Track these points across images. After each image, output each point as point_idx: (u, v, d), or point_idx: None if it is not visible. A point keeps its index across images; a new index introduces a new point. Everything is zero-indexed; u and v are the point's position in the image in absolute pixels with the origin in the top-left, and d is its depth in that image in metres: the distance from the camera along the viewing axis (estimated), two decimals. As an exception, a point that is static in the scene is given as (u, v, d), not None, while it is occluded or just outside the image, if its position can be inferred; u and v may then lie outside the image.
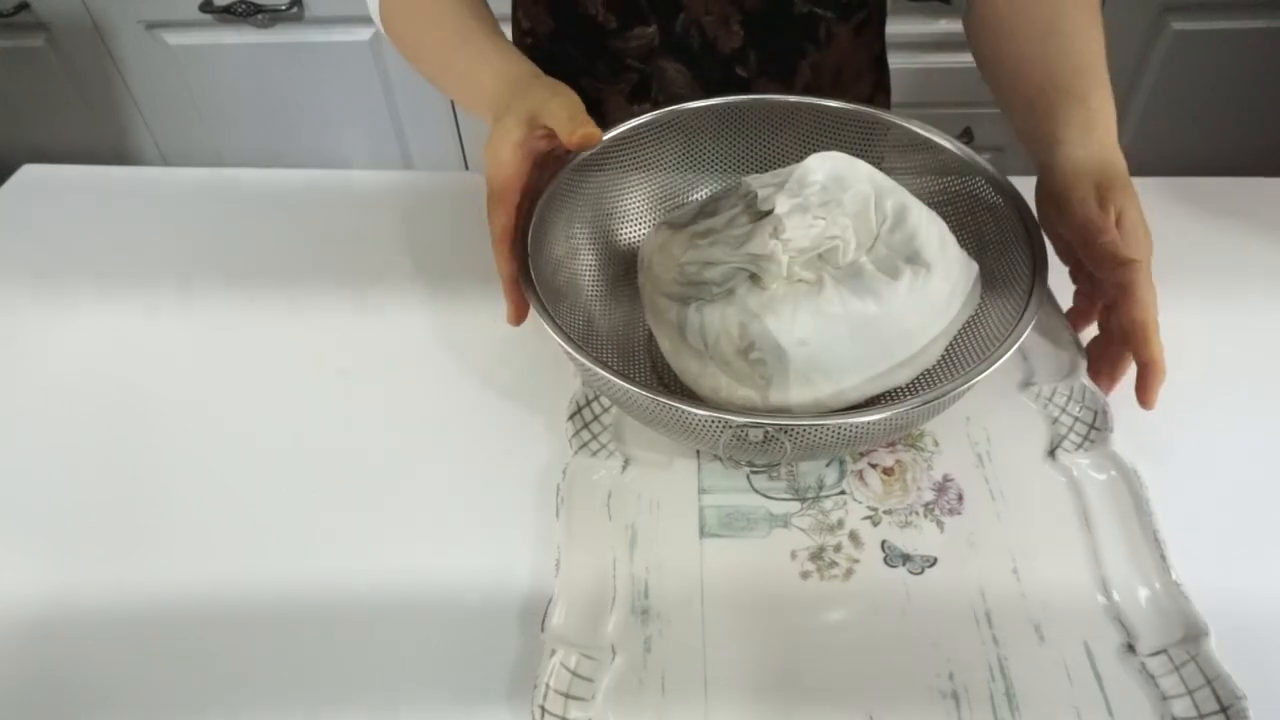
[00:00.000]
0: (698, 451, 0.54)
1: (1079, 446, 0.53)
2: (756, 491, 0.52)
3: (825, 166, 0.51)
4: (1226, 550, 0.49)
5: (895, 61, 0.86)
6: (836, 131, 0.60)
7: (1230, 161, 1.35)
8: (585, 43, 0.71)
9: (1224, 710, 0.41)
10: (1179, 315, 0.62)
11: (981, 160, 0.57)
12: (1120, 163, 0.55)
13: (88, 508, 0.53)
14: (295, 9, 1.29)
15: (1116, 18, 1.23)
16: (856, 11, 0.70)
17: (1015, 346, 0.46)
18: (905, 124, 0.59)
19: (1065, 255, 0.56)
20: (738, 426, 0.44)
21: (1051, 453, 0.53)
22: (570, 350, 0.47)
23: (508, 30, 0.78)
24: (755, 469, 0.53)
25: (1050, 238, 0.54)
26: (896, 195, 0.52)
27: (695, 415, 0.44)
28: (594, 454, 0.53)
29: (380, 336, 0.63)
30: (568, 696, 0.43)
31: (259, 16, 1.29)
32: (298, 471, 0.55)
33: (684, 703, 0.43)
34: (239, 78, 1.38)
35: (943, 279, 0.50)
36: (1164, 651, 0.43)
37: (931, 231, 0.51)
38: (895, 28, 0.96)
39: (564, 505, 0.50)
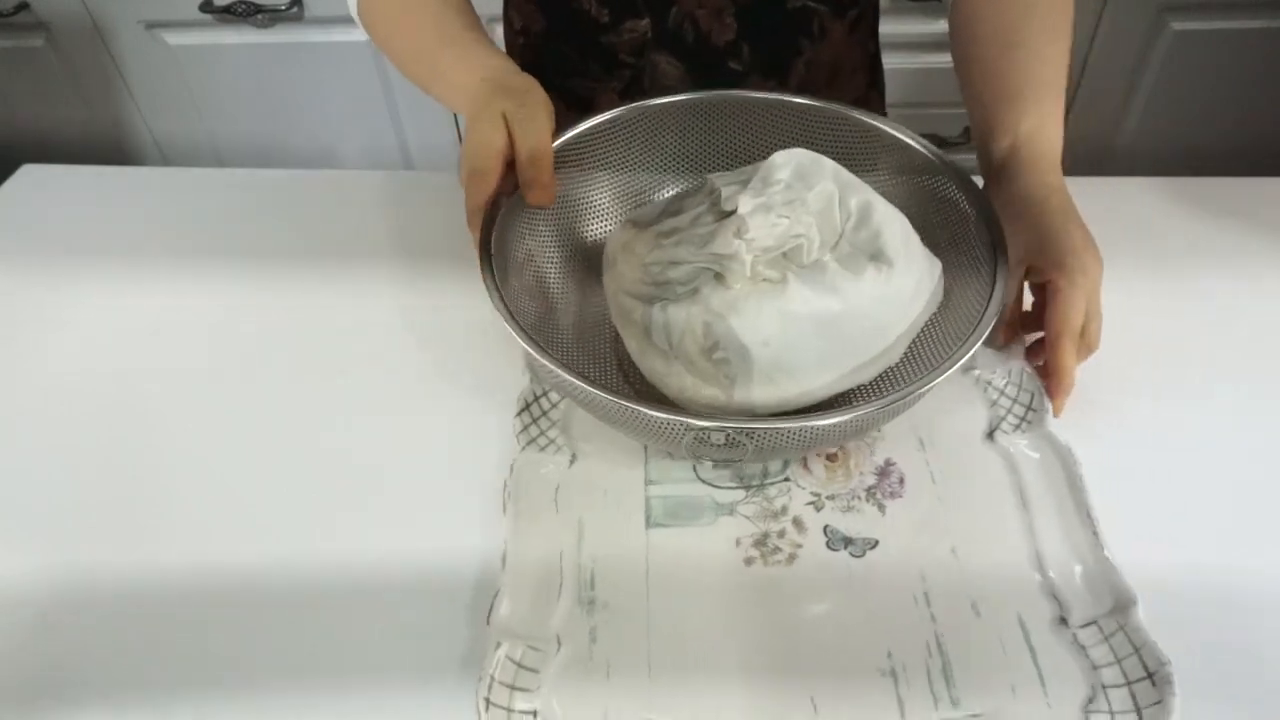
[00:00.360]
0: (645, 444, 0.54)
1: (1016, 428, 0.54)
2: (702, 481, 0.53)
3: (790, 163, 0.51)
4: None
5: (893, 62, 0.86)
6: (804, 128, 0.60)
7: (1230, 161, 1.35)
8: (577, 39, 0.71)
9: (1150, 676, 0.42)
10: (1179, 314, 0.62)
11: (948, 158, 0.57)
12: (1046, 185, 0.55)
13: (87, 507, 0.54)
14: (295, 9, 1.29)
15: (1116, 18, 1.23)
16: (850, 8, 0.70)
17: (975, 347, 0.46)
18: (872, 121, 0.59)
19: None
20: (699, 429, 0.44)
21: (990, 434, 0.54)
22: (532, 351, 0.46)
23: (499, 30, 0.78)
24: (717, 464, 0.53)
25: None
26: (861, 192, 0.52)
27: (658, 418, 0.45)
28: (542, 449, 0.54)
29: (363, 330, 0.63)
30: (513, 688, 0.43)
31: (259, 16, 1.29)
32: (265, 463, 0.55)
33: (628, 690, 0.44)
34: (239, 78, 1.38)
35: (906, 276, 0.50)
36: (1094, 623, 0.45)
37: (895, 229, 0.51)
38: (893, 28, 0.97)
39: (511, 500, 0.50)
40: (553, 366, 0.46)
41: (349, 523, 0.52)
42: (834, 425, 0.45)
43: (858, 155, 0.59)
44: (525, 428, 0.54)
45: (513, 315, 0.48)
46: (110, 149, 1.50)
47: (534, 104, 0.54)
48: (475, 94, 0.55)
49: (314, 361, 0.62)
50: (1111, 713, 0.41)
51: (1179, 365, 0.58)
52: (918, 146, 0.58)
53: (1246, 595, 0.47)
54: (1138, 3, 1.21)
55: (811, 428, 0.45)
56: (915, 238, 0.52)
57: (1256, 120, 1.33)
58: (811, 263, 0.49)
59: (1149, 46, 1.26)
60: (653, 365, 0.51)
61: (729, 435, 0.44)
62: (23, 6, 1.31)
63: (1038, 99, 0.58)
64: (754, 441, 0.45)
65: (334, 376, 0.60)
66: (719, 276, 0.49)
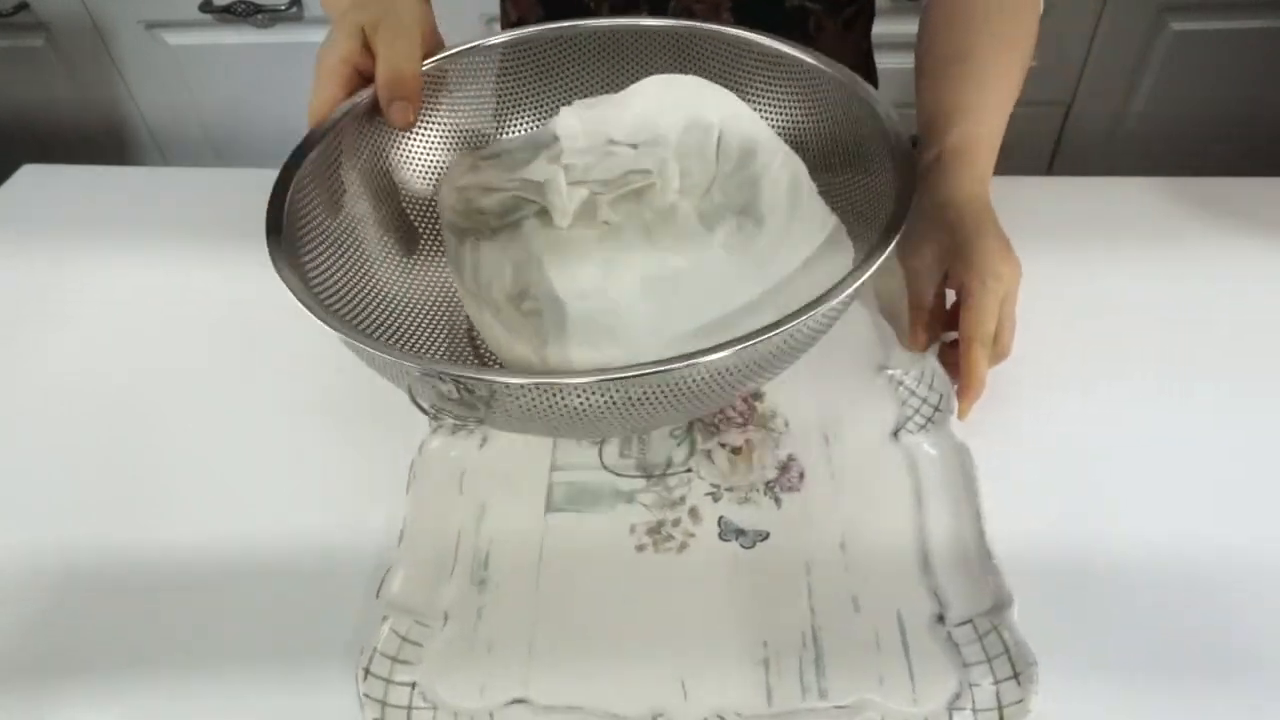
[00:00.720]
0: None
1: (921, 428, 0.54)
2: (606, 469, 0.53)
3: (660, 90, 0.44)
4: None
5: (891, 62, 0.86)
6: (700, 60, 0.52)
7: (1230, 161, 1.35)
8: None
9: (1015, 676, 0.42)
10: (1178, 315, 0.62)
11: (853, 78, 0.50)
12: (966, 191, 0.55)
13: (88, 508, 0.54)
14: (295, 9, 1.29)
15: (1116, 18, 1.23)
16: (846, 6, 0.70)
17: (795, 322, 0.35)
18: (766, 41, 0.52)
19: None
20: (419, 377, 0.36)
21: (895, 434, 0.54)
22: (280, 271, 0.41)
23: (497, 29, 0.77)
24: (456, 420, 0.42)
25: None
26: (748, 131, 0.44)
27: (380, 357, 0.37)
28: (453, 432, 0.53)
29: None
30: (395, 660, 0.43)
31: (259, 16, 1.29)
32: (255, 455, 0.56)
33: (507, 667, 0.44)
34: (239, 78, 1.38)
35: (776, 236, 0.43)
36: (970, 621, 0.45)
37: (780, 178, 0.44)
38: (891, 28, 0.96)
39: (415, 480, 0.50)
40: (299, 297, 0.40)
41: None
42: (593, 382, 0.33)
43: (760, 83, 0.53)
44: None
45: (290, 267, 0.42)
46: (110, 149, 1.50)
47: (403, 22, 0.50)
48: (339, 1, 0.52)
49: (311, 358, 0.62)
50: (975, 709, 0.42)
51: (1170, 363, 0.58)
52: (819, 64, 0.51)
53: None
54: (1138, 3, 1.21)
55: (571, 384, 0.34)
56: (808, 192, 0.45)
57: (1256, 120, 1.33)
58: (666, 208, 0.42)
59: (1149, 46, 1.26)
60: (469, 310, 0.45)
61: (461, 386, 0.35)
62: (23, 6, 1.31)
63: (971, 108, 0.58)
64: (486, 403, 0.36)
65: (333, 374, 0.60)
66: (543, 215, 0.41)
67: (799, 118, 0.53)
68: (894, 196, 0.42)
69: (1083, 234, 0.68)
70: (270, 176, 0.44)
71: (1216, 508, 0.51)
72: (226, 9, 1.29)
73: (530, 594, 0.47)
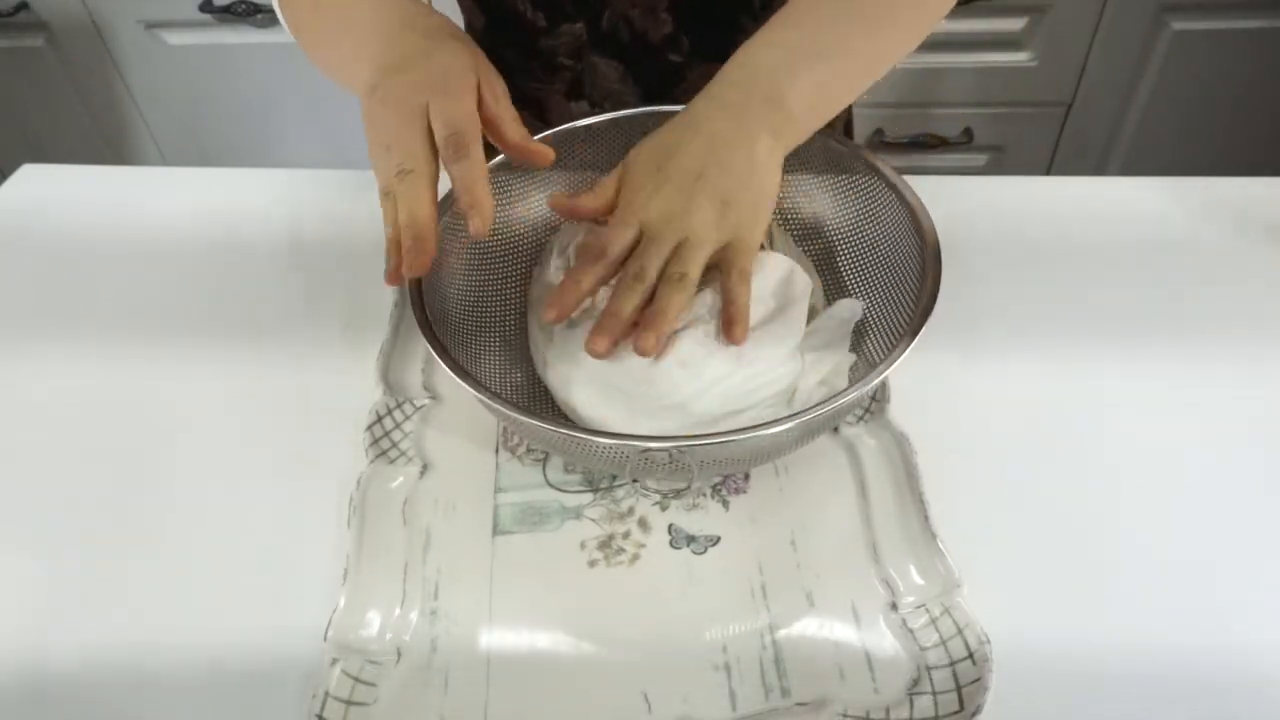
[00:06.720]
0: (496, 450, 0.54)
1: (860, 419, 0.54)
2: (551, 486, 0.53)
3: None
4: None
5: (895, 61, 0.86)
6: None
7: (1230, 161, 1.35)
8: (518, 40, 0.69)
9: (970, 656, 0.43)
10: (1176, 315, 0.62)
11: (900, 180, 0.53)
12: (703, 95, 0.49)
13: (85, 507, 0.54)
14: (295, 9, 1.29)
15: (1116, 18, 1.23)
16: None
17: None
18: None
19: None
20: (643, 451, 0.43)
21: (835, 428, 0.54)
22: (463, 382, 0.45)
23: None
24: (664, 495, 0.52)
25: None
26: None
27: (600, 444, 0.44)
28: (392, 462, 0.53)
29: (362, 328, 0.63)
30: (349, 703, 0.43)
31: (259, 16, 1.30)
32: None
33: (466, 698, 0.44)
34: (239, 78, 1.38)
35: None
36: (923, 606, 0.46)
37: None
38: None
39: (356, 514, 0.50)
40: (480, 395, 0.44)
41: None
42: (783, 432, 0.43)
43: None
44: (375, 440, 0.54)
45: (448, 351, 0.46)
46: (110, 149, 1.50)
47: (464, 84, 0.47)
48: (372, 71, 0.50)
49: (311, 359, 0.62)
50: (934, 693, 0.42)
51: (1166, 363, 0.58)
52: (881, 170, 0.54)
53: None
54: (1138, 3, 1.22)
55: (758, 437, 0.43)
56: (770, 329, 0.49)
57: (1256, 120, 1.33)
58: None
59: (1149, 46, 1.26)
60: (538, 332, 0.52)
61: (671, 454, 0.43)
62: (23, 6, 1.31)
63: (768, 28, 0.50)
64: (696, 458, 0.43)
65: (335, 374, 0.60)
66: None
67: (831, 205, 0.57)
68: (915, 296, 0.48)
69: (1082, 234, 0.68)
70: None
71: (1172, 487, 0.51)
72: (226, 9, 1.29)
73: (483, 621, 0.47)
